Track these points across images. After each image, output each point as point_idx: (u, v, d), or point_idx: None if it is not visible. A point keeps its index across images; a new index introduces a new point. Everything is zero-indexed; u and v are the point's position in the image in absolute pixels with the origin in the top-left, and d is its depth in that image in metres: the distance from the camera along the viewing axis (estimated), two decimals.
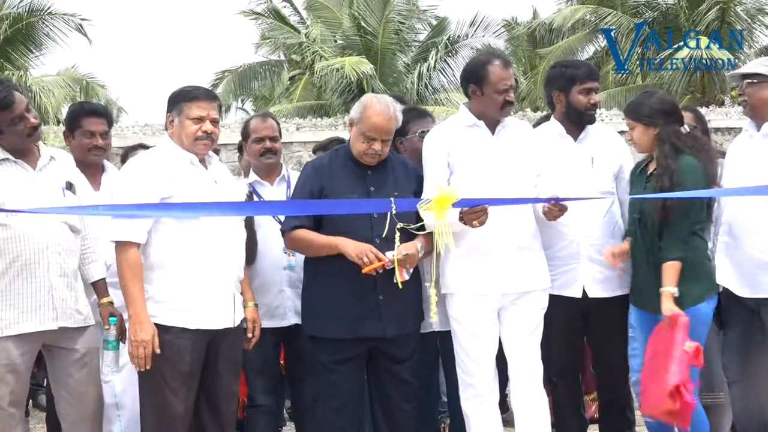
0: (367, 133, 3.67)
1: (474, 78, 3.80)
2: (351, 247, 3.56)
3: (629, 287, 3.91)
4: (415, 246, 3.62)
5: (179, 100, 3.52)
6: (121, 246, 3.37)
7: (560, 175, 3.89)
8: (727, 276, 3.78)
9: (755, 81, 3.78)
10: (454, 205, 3.48)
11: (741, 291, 3.74)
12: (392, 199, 3.49)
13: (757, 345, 3.79)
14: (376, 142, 3.67)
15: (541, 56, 20.67)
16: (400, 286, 3.55)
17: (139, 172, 3.47)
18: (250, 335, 3.65)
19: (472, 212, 3.49)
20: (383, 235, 3.61)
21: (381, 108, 3.67)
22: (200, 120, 3.47)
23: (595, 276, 3.93)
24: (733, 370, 3.81)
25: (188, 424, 3.50)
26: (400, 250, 3.55)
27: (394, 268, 3.55)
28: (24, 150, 3.46)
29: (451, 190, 3.50)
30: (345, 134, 5.57)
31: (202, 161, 3.56)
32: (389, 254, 3.55)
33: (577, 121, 4.03)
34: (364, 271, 3.51)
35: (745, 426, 3.82)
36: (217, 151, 4.09)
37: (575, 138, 4.04)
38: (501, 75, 3.75)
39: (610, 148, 4.08)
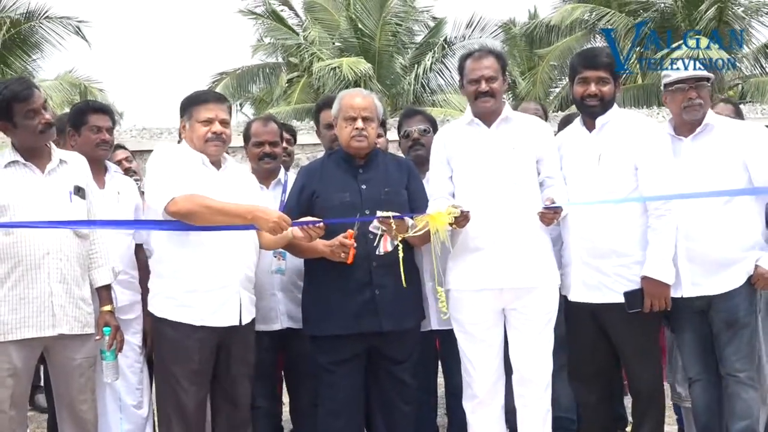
0: (345, 115, 3.75)
1: (459, 74, 3.89)
2: (327, 251, 3.61)
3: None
4: (406, 220, 3.60)
5: (189, 104, 3.64)
6: (170, 205, 3.42)
7: (566, 172, 3.78)
8: (680, 280, 3.69)
9: (709, 83, 3.71)
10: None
11: (692, 291, 3.69)
12: (391, 213, 3.53)
13: (711, 343, 3.76)
14: (357, 120, 3.73)
15: (539, 57, 20.63)
16: (383, 253, 3.61)
17: (173, 154, 3.59)
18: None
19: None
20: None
21: (353, 91, 3.86)
22: (209, 122, 3.57)
23: (586, 281, 3.71)
24: (693, 370, 3.82)
25: (202, 416, 3.56)
26: (385, 220, 3.55)
27: (380, 236, 3.61)
28: (35, 150, 3.48)
29: (446, 214, 3.49)
30: None
31: (215, 163, 3.64)
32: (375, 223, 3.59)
33: (585, 113, 3.80)
34: (349, 262, 3.57)
35: (705, 423, 3.81)
36: None
37: (590, 129, 3.78)
38: (471, 66, 3.77)
39: (626, 142, 3.67)
